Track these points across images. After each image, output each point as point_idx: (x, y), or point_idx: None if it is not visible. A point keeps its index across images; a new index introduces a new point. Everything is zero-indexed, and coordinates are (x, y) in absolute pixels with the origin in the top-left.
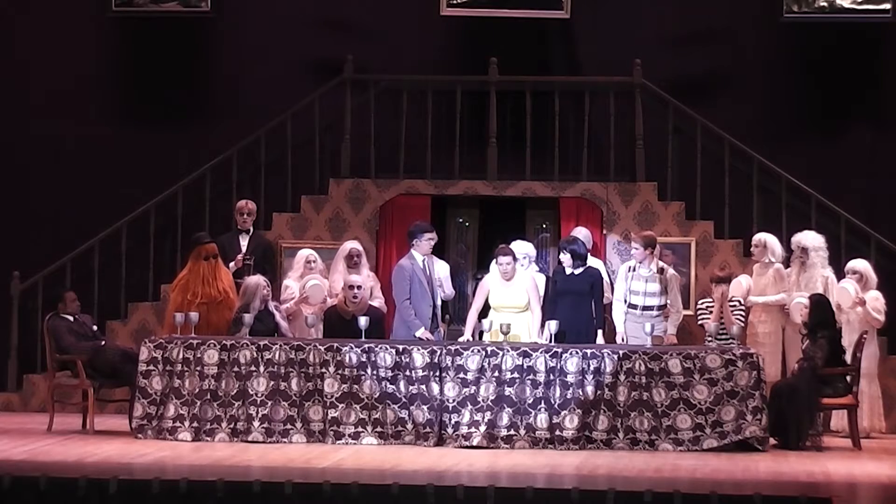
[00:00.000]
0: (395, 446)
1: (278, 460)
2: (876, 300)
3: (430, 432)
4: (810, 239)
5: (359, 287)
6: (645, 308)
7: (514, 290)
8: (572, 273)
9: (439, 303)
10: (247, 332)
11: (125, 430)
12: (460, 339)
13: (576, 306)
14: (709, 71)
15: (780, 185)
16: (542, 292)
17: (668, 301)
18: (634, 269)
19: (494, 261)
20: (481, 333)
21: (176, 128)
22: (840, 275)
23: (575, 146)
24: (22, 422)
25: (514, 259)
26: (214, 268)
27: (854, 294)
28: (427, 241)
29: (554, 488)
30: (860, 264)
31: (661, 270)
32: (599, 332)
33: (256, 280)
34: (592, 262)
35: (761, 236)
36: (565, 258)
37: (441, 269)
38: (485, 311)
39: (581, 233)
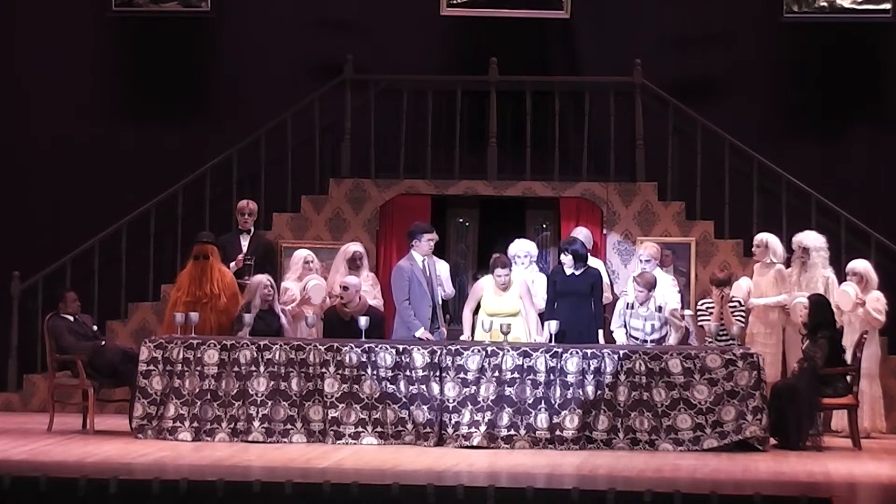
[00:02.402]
0: (395, 446)
1: (278, 460)
2: (877, 300)
3: (431, 432)
4: (811, 239)
5: (345, 288)
6: (644, 342)
7: (507, 297)
8: (573, 274)
9: (440, 302)
10: (247, 331)
11: (125, 430)
12: (461, 339)
13: (576, 307)
14: (709, 71)
15: (780, 185)
16: (542, 292)
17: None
18: (633, 307)
19: (491, 271)
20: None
21: (176, 128)
22: (841, 275)
23: (575, 146)
24: (22, 422)
25: (511, 270)
26: (203, 267)
27: (854, 296)
28: (427, 241)
29: (554, 488)
30: (860, 265)
31: (658, 309)
32: (600, 332)
33: (259, 279)
34: (592, 262)
35: (763, 236)
36: (566, 259)
37: (441, 269)
38: (478, 309)
39: (581, 233)
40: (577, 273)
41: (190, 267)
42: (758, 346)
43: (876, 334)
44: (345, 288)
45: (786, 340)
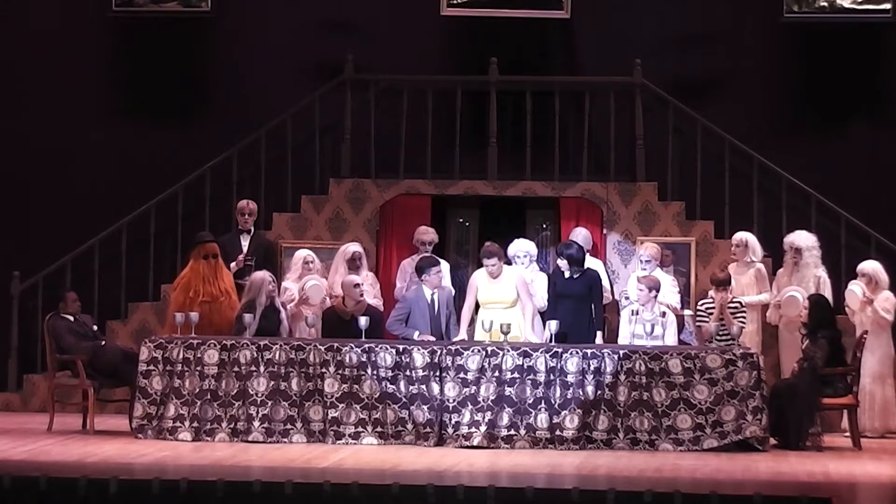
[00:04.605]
0: (395, 446)
1: (278, 460)
2: (886, 300)
3: (431, 432)
4: (803, 239)
5: (358, 285)
6: None
7: (501, 286)
8: (571, 276)
9: (450, 328)
10: (252, 330)
11: (125, 430)
12: (457, 335)
13: (575, 309)
14: (709, 71)
15: (781, 185)
16: (543, 292)
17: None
18: (637, 313)
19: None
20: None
21: (176, 127)
22: (838, 275)
23: (575, 146)
24: (22, 422)
25: (500, 259)
26: (214, 267)
27: (861, 295)
28: (435, 274)
29: (554, 488)
30: (869, 266)
31: (662, 314)
32: (598, 333)
33: (262, 276)
34: (591, 262)
35: (743, 236)
36: (562, 263)
37: (442, 269)
38: (477, 309)
39: (580, 234)
40: (576, 276)
41: (201, 267)
42: None
43: (887, 335)
44: (358, 285)
45: (782, 341)
